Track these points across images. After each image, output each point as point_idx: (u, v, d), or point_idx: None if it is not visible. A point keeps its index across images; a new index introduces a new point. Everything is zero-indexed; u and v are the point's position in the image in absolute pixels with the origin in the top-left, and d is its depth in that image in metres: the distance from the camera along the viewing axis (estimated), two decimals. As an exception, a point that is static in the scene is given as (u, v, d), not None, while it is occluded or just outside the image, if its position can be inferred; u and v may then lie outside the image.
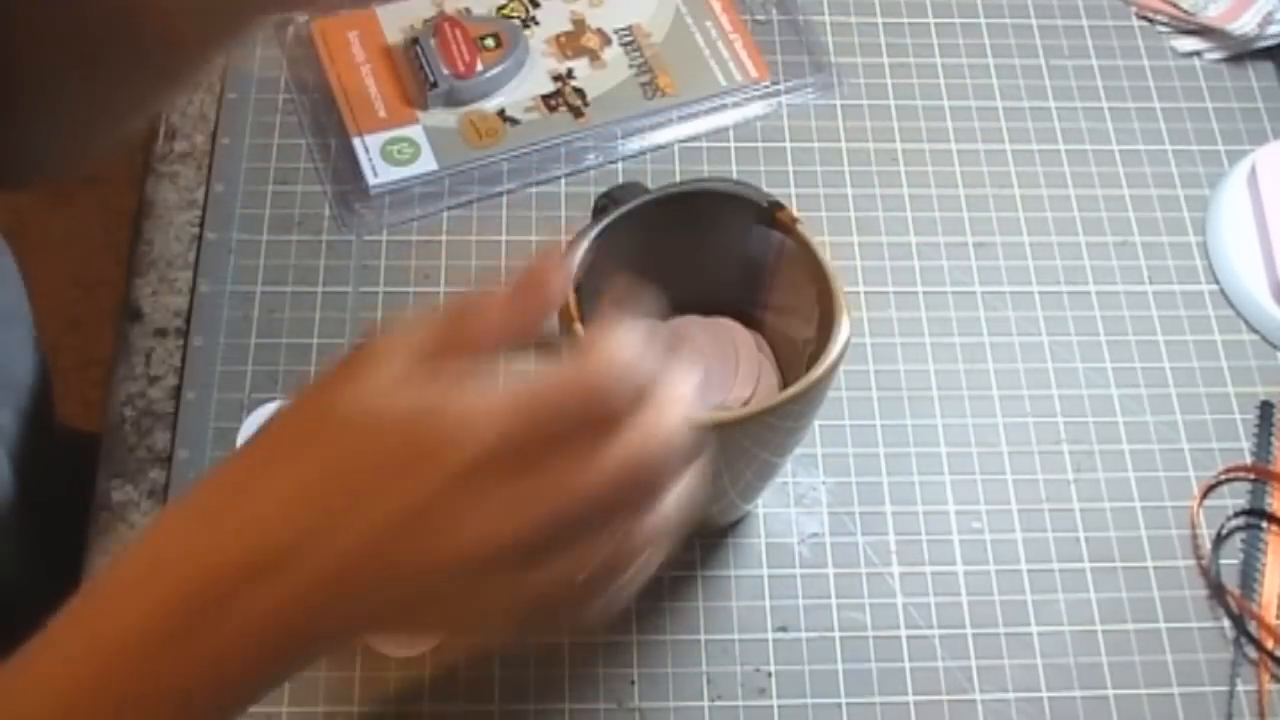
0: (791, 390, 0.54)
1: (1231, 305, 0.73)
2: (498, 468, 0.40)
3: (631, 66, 0.78)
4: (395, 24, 0.79)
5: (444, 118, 0.76)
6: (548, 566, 0.41)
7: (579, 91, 0.77)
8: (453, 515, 0.40)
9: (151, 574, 0.41)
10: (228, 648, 0.40)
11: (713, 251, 0.61)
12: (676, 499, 0.43)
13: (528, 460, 0.40)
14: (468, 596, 0.41)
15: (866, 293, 0.73)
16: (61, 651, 0.41)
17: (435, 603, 0.42)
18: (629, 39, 0.79)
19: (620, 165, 0.76)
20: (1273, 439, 0.69)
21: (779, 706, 0.62)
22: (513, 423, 0.40)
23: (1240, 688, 0.63)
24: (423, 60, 0.76)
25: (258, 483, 0.41)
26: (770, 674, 0.62)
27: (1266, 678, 0.63)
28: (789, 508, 0.66)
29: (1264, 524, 0.67)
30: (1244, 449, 0.69)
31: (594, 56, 0.79)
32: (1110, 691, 0.63)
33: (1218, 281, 0.74)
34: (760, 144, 0.77)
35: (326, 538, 0.40)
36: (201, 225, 0.72)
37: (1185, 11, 0.82)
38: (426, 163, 0.74)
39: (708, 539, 0.65)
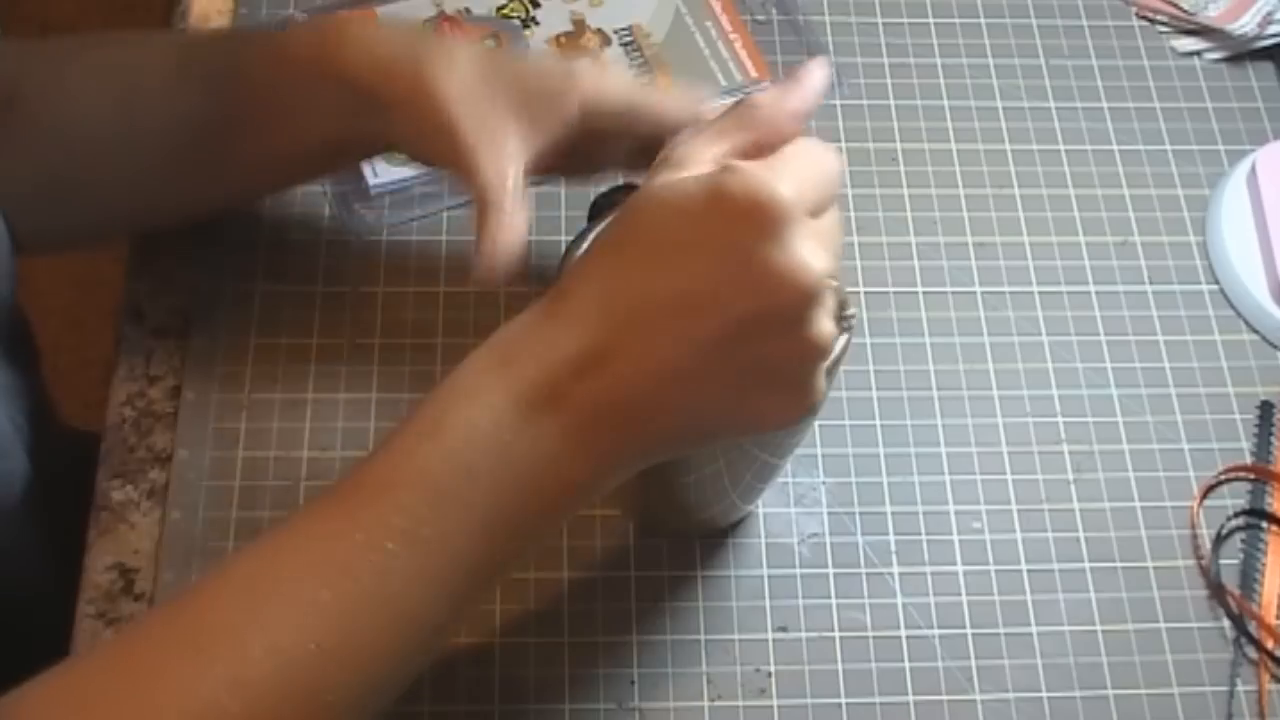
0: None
1: (1231, 305, 0.73)
2: (795, 217, 0.45)
3: (631, 66, 0.78)
4: (395, 24, 0.79)
5: (444, 118, 0.76)
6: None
7: (579, 91, 0.77)
8: (777, 261, 0.45)
9: (499, 367, 0.46)
10: (563, 438, 0.46)
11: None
12: None
13: (811, 208, 0.46)
14: (782, 357, 0.46)
15: (866, 293, 0.73)
16: (422, 433, 0.46)
17: (753, 382, 0.46)
18: (629, 39, 0.79)
19: (620, 165, 0.75)
20: (1273, 439, 0.69)
21: (779, 706, 0.62)
22: (801, 180, 0.46)
23: (1240, 688, 0.63)
24: (423, 60, 0.76)
25: (581, 284, 0.47)
26: (770, 674, 0.62)
27: (1266, 678, 0.63)
28: (789, 508, 0.66)
29: (1264, 524, 0.67)
30: (1244, 449, 0.69)
31: (594, 57, 0.79)
32: (1110, 691, 0.63)
33: (1218, 281, 0.74)
34: (760, 144, 0.77)
35: (662, 313, 0.45)
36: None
37: (1185, 11, 0.82)
38: (426, 163, 0.74)
39: (708, 539, 0.65)
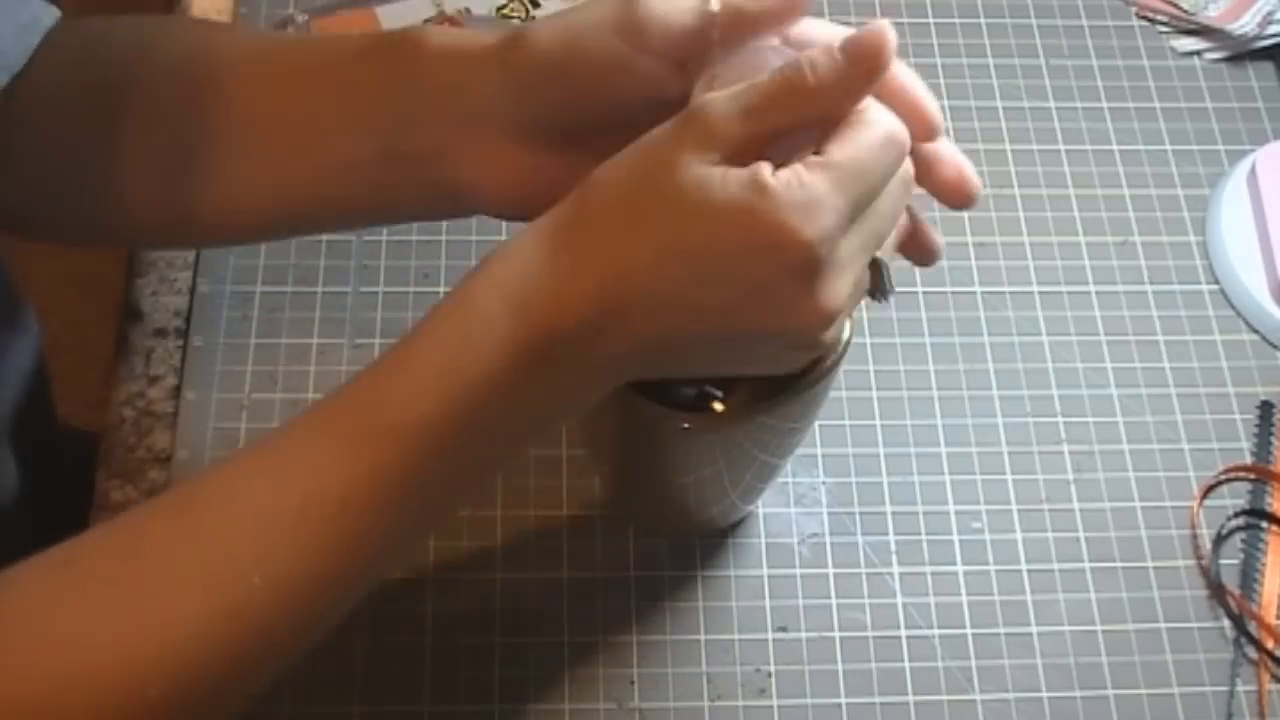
0: (791, 390, 0.54)
1: (1231, 305, 0.73)
2: (822, 260, 0.44)
3: (631, 66, 0.78)
4: (395, 24, 0.79)
5: (444, 118, 0.76)
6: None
7: (579, 91, 0.77)
8: (792, 296, 0.45)
9: (512, 314, 0.45)
10: (565, 389, 0.47)
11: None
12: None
13: (852, 216, 0.45)
14: (778, 354, 0.48)
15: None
16: (428, 378, 0.46)
17: (748, 358, 0.49)
18: (629, 39, 0.79)
19: (620, 165, 0.75)
20: (1273, 439, 0.69)
21: (779, 706, 0.62)
22: (834, 216, 0.44)
23: (1240, 688, 0.63)
24: (423, 60, 0.76)
25: (605, 247, 0.45)
26: (770, 674, 0.62)
27: (1266, 678, 0.63)
28: (789, 508, 0.66)
29: (1264, 524, 0.67)
30: (1244, 449, 0.69)
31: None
32: (1110, 691, 0.63)
33: (1218, 281, 0.74)
34: (760, 144, 0.77)
35: (671, 305, 0.45)
36: (201, 225, 0.72)
37: (1185, 11, 0.82)
38: (426, 163, 0.74)
39: (708, 539, 0.65)
